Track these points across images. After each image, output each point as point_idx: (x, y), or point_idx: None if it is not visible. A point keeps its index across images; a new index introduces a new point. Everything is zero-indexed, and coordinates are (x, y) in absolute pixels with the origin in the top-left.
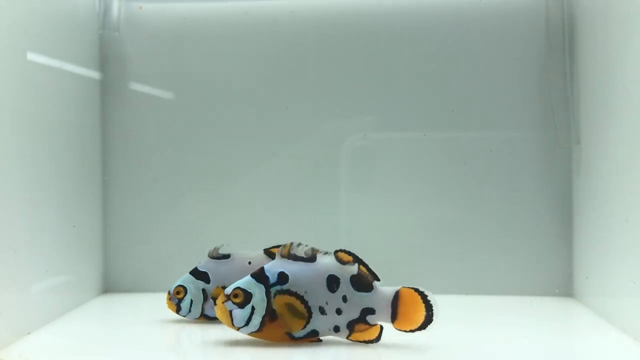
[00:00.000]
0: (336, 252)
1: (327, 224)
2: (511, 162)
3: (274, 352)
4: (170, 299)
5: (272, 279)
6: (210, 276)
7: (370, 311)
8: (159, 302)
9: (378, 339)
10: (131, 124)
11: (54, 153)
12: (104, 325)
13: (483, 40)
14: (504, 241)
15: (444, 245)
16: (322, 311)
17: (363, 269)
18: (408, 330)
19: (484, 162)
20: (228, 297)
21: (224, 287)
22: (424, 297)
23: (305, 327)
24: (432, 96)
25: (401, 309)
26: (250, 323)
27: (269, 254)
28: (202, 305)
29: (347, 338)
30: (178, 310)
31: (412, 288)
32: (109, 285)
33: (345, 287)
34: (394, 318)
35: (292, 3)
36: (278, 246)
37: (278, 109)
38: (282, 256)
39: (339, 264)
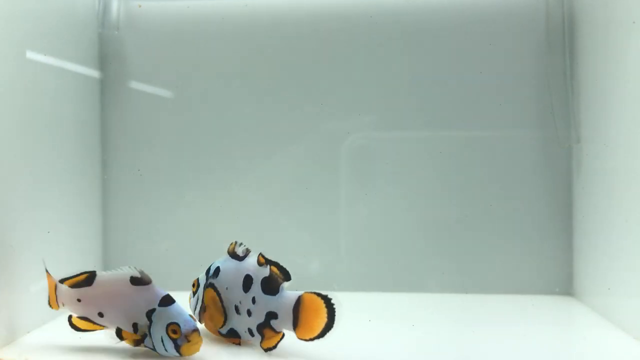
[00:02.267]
0: (259, 254)
1: (327, 224)
2: (511, 161)
3: None
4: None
5: (211, 272)
6: None
7: (274, 315)
8: None
9: (274, 347)
10: (131, 122)
11: (54, 152)
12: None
13: (483, 40)
14: (504, 240)
15: (443, 245)
16: (237, 310)
17: (274, 269)
18: (307, 339)
19: (483, 162)
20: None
21: None
22: (327, 301)
23: (224, 324)
24: (432, 96)
25: (302, 315)
26: (196, 310)
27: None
28: None
29: (260, 344)
30: None
31: (315, 293)
32: None
33: (256, 289)
34: (295, 325)
35: (292, 3)
36: (261, 254)
37: (278, 108)
38: (228, 253)
39: (257, 265)
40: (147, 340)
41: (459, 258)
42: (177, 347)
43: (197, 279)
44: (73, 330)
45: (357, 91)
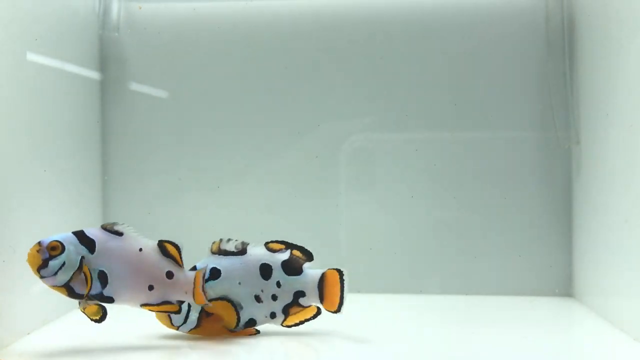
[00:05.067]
0: (266, 244)
1: (327, 224)
2: (511, 162)
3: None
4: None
5: (205, 275)
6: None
7: (301, 294)
8: None
9: (314, 317)
10: (131, 124)
11: (54, 153)
12: (104, 325)
13: (483, 40)
14: (504, 241)
15: (443, 246)
16: (258, 299)
17: (297, 252)
18: (332, 311)
19: (483, 162)
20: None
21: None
22: (341, 277)
23: (239, 319)
24: (432, 96)
25: (327, 290)
26: (188, 320)
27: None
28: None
29: (281, 324)
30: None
31: (336, 269)
32: None
33: (277, 274)
34: (322, 299)
35: (292, 3)
36: (275, 242)
37: (278, 109)
38: (213, 252)
39: (270, 252)
40: None
41: (459, 259)
42: None
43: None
44: None
45: (357, 92)
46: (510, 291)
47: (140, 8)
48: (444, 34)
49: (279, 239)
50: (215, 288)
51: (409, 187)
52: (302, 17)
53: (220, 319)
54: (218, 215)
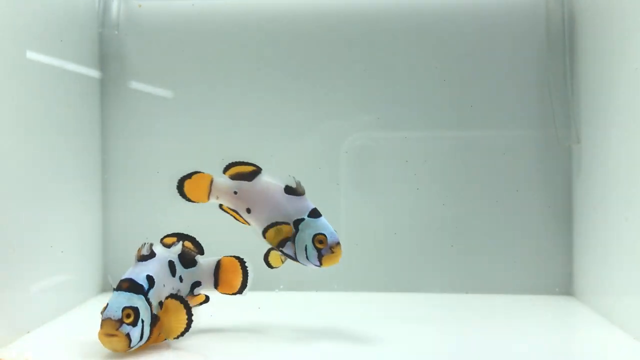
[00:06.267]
0: (161, 239)
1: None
2: (511, 161)
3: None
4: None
5: (146, 285)
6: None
7: (197, 284)
8: None
9: (200, 304)
10: (131, 122)
11: (54, 152)
12: None
13: (483, 40)
14: (504, 240)
15: (443, 244)
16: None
17: (188, 244)
18: (230, 293)
19: (483, 162)
20: (121, 321)
21: None
22: (242, 264)
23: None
24: (431, 96)
25: (222, 276)
26: (144, 336)
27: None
28: None
29: None
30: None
31: (233, 256)
32: (109, 285)
33: (178, 268)
34: (216, 285)
35: (292, 2)
36: (167, 236)
37: (278, 108)
38: (138, 260)
39: (166, 248)
40: (288, 247)
41: (459, 258)
42: (320, 257)
43: (130, 307)
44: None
45: (358, 91)
46: (510, 290)
47: (140, 6)
48: (444, 34)
49: (170, 233)
50: (154, 296)
51: (409, 186)
52: (303, 16)
53: (161, 327)
54: (218, 215)
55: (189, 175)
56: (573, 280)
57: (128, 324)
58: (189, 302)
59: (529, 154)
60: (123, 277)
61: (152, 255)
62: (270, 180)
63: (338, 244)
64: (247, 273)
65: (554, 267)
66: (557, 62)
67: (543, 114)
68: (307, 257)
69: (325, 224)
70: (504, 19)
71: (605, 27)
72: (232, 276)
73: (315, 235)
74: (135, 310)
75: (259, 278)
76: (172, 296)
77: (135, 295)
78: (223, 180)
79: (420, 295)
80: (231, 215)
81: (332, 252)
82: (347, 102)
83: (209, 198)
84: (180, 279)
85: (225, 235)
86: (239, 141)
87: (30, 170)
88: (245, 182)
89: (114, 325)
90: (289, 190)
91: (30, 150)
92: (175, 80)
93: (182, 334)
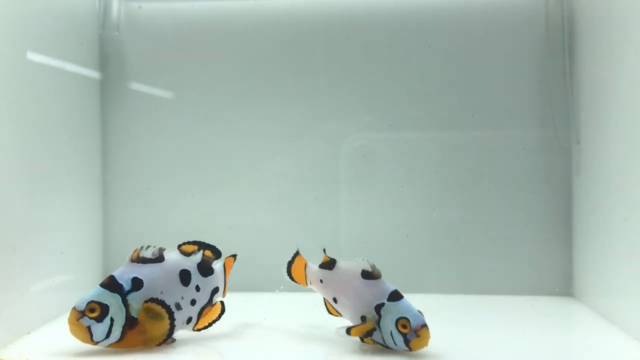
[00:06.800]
0: (179, 246)
1: (327, 224)
2: (511, 162)
3: None
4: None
5: (127, 286)
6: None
7: (216, 290)
8: None
9: (219, 318)
10: (131, 123)
11: (54, 153)
12: None
13: (483, 40)
14: (504, 241)
15: (443, 245)
16: (178, 307)
17: (208, 253)
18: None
19: (483, 162)
20: (83, 313)
21: None
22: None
23: (170, 327)
24: (431, 96)
25: (227, 278)
26: (112, 335)
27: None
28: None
29: (192, 329)
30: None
31: (232, 255)
32: None
33: (195, 277)
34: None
35: (291, 2)
36: (187, 243)
37: (278, 109)
38: (132, 261)
39: (184, 256)
40: (376, 334)
41: (459, 259)
42: (407, 342)
43: (96, 302)
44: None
45: (358, 91)
46: (509, 290)
47: (141, 7)
48: (443, 34)
49: (192, 240)
50: (138, 300)
51: (408, 186)
52: (302, 16)
53: (144, 332)
54: (218, 215)
55: (292, 259)
56: (573, 281)
57: (91, 318)
58: (209, 314)
59: (529, 154)
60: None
61: (158, 260)
62: (347, 267)
63: (423, 326)
64: (227, 271)
65: (553, 267)
66: (557, 62)
67: (543, 114)
68: (394, 343)
69: (408, 306)
70: (504, 20)
71: (605, 27)
72: (227, 275)
73: (398, 320)
74: (103, 307)
75: (259, 279)
76: (153, 300)
77: (109, 292)
78: (313, 267)
79: (420, 296)
80: (327, 308)
81: (418, 336)
82: (347, 102)
83: (306, 283)
84: (197, 288)
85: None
86: (239, 141)
87: (30, 171)
88: (328, 271)
89: (76, 315)
90: (365, 274)
91: (30, 151)
92: (175, 81)
93: (165, 340)
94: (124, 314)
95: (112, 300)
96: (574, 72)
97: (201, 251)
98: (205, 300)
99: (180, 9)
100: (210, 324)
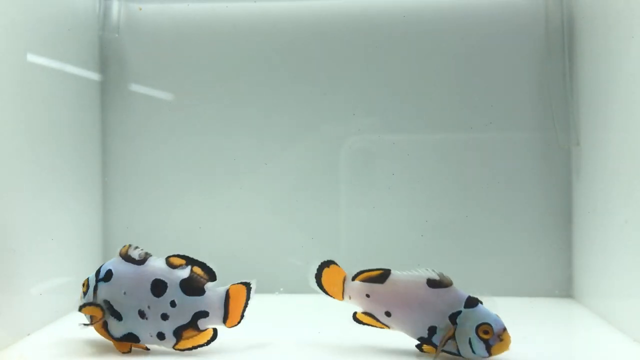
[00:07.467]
0: (168, 257)
1: (327, 225)
2: (511, 163)
3: None
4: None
5: (101, 274)
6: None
7: (203, 314)
8: None
9: (207, 343)
10: (131, 124)
11: (54, 154)
12: None
13: (482, 41)
14: (504, 242)
15: (443, 246)
16: (142, 315)
17: (198, 270)
18: (233, 325)
19: (483, 163)
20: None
21: None
22: (248, 290)
23: (119, 328)
24: (431, 97)
25: (232, 306)
26: (86, 297)
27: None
28: None
29: (173, 347)
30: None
31: (242, 283)
32: None
33: (173, 292)
34: (225, 318)
35: (291, 3)
36: (176, 256)
37: (278, 109)
38: (120, 255)
39: (168, 268)
40: (448, 344)
41: (459, 260)
42: (489, 347)
43: (87, 279)
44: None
45: (358, 93)
46: (510, 292)
47: (141, 9)
48: (443, 35)
49: (180, 254)
50: (104, 290)
51: (408, 187)
52: (302, 17)
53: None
54: (218, 216)
55: (327, 264)
56: (573, 283)
57: (84, 292)
58: (195, 338)
59: (529, 156)
60: None
61: (139, 262)
62: (406, 278)
63: (505, 330)
64: (248, 300)
65: (553, 269)
66: (557, 64)
67: (542, 116)
68: (472, 351)
69: (487, 312)
70: (504, 21)
71: (605, 29)
72: (239, 304)
73: (478, 326)
74: (88, 284)
75: (259, 280)
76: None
77: (94, 275)
78: (354, 282)
79: None
80: (366, 323)
81: (502, 340)
82: (347, 103)
83: (343, 297)
84: (173, 304)
85: (225, 235)
86: (239, 142)
87: (31, 172)
88: (378, 285)
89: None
90: (432, 283)
91: (30, 152)
92: (175, 82)
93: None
94: (91, 296)
95: (91, 282)
96: (573, 73)
97: (189, 267)
98: (185, 321)
99: (179, 11)
100: (194, 347)
